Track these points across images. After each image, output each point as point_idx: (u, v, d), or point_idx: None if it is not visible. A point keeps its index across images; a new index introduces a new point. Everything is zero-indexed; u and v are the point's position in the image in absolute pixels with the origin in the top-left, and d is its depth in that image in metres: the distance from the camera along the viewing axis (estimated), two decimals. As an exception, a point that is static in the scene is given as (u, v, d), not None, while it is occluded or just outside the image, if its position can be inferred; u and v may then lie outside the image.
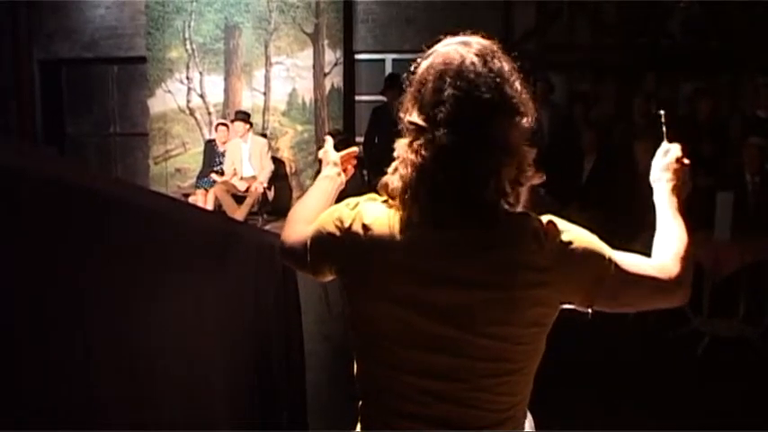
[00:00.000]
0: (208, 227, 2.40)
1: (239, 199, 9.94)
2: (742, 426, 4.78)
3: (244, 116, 10.17)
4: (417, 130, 1.69)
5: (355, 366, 1.88)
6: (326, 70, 10.76)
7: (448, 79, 1.67)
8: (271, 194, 10.18)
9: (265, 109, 10.94)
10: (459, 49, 1.71)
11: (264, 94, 10.94)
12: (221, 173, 10.19)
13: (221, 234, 2.46)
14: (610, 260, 1.73)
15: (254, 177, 10.09)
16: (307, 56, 10.80)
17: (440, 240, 1.69)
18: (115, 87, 11.90)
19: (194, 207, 2.63)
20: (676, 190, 2.00)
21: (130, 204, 1.72)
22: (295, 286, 3.08)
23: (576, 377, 5.33)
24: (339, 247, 1.81)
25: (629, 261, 1.77)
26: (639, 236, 6.97)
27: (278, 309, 2.81)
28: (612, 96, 10.58)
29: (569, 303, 1.76)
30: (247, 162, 10.17)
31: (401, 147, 1.73)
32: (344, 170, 2.31)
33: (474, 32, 1.76)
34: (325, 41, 10.72)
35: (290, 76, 10.86)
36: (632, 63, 10.45)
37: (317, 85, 10.80)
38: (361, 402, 1.88)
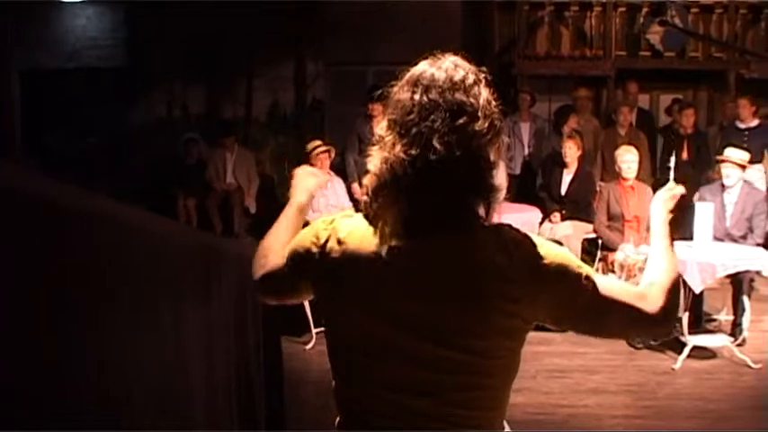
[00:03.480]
0: (183, 239, 2.40)
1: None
2: None
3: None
4: (386, 143, 1.71)
5: (333, 381, 1.88)
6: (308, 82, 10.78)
7: (406, 87, 1.73)
8: (253, 208, 10.14)
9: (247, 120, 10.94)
10: (430, 64, 1.76)
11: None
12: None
13: (198, 246, 2.46)
14: (586, 280, 1.73)
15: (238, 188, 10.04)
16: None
17: (412, 253, 1.70)
18: (96, 98, 11.85)
19: (170, 220, 2.63)
20: (672, 222, 2.04)
21: (96, 216, 1.70)
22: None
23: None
24: (314, 262, 1.82)
25: (608, 286, 1.76)
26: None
27: (255, 314, 2.82)
28: (594, 107, 10.65)
29: (542, 320, 1.76)
30: (231, 174, 10.13)
31: (373, 159, 1.75)
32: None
33: (454, 52, 1.80)
34: (307, 53, 10.74)
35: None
36: (614, 74, 10.52)
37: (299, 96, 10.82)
38: (338, 419, 1.88)
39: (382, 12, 10.62)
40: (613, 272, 7.01)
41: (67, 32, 11.40)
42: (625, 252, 6.88)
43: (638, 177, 7.52)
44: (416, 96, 1.70)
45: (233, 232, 9.79)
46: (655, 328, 1.87)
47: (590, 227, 7.74)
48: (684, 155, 9.43)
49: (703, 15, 10.75)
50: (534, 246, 1.72)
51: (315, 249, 1.82)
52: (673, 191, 2.10)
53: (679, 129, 9.61)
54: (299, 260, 1.87)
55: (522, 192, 8.97)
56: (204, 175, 10.08)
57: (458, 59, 1.77)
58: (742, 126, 8.90)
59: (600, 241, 7.51)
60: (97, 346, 1.63)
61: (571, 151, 8.18)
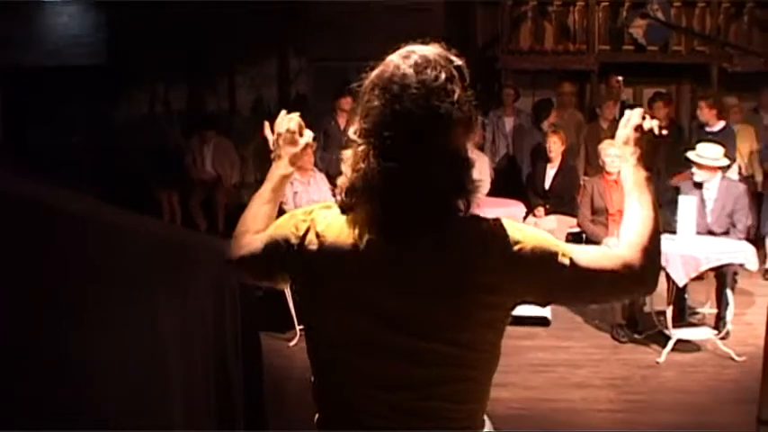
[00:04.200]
0: (163, 237, 2.37)
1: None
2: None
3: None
4: (359, 152, 1.69)
5: (312, 377, 1.85)
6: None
7: (377, 92, 1.69)
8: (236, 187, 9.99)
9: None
10: (396, 60, 1.72)
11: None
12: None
13: (176, 244, 2.43)
14: (564, 257, 1.71)
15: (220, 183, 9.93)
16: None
17: (389, 249, 1.68)
18: (78, 96, 11.77)
19: (149, 218, 2.61)
20: (641, 161, 1.92)
21: (78, 215, 1.69)
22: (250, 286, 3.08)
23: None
24: (293, 255, 1.79)
25: (586, 256, 1.75)
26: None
27: (234, 310, 2.81)
28: (578, 101, 10.66)
29: (524, 302, 1.76)
30: (210, 163, 10.01)
31: (345, 157, 1.73)
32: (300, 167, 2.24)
33: (425, 42, 1.76)
34: (290, 49, 10.71)
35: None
36: (597, 69, 10.54)
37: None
38: (318, 415, 1.86)
39: (365, 8, 10.60)
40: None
41: (49, 30, 11.31)
42: (609, 246, 6.86)
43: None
44: (388, 105, 1.67)
45: (217, 230, 9.75)
46: (638, 288, 1.83)
47: (574, 221, 7.74)
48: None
49: (686, 9, 10.79)
50: (510, 233, 1.70)
51: (294, 241, 1.79)
52: (627, 124, 1.95)
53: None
54: (277, 250, 1.84)
55: (505, 186, 8.96)
56: (183, 164, 9.95)
57: (428, 52, 1.72)
58: (707, 129, 8.66)
59: (584, 235, 7.50)
60: (75, 344, 1.62)
61: (555, 146, 8.18)
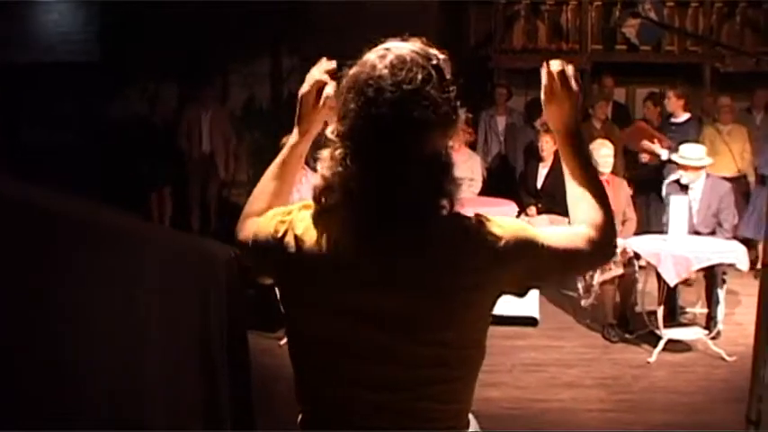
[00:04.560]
0: (146, 236, 2.36)
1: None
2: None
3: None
4: (336, 156, 1.67)
5: (294, 377, 1.84)
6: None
7: (353, 94, 1.66)
8: (232, 168, 9.69)
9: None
10: (372, 60, 1.68)
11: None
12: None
13: (158, 242, 2.42)
14: (541, 247, 1.73)
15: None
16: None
17: (372, 249, 1.66)
18: (70, 93, 11.73)
19: (136, 218, 2.61)
20: (564, 113, 1.91)
21: (67, 217, 1.68)
22: (240, 287, 3.07)
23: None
24: (274, 257, 1.77)
25: (557, 239, 1.78)
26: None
27: (219, 309, 2.80)
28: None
29: (504, 293, 1.76)
30: (207, 137, 9.62)
31: (323, 158, 1.71)
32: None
33: (404, 38, 1.73)
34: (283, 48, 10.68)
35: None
36: (590, 68, 10.54)
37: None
38: (300, 416, 1.85)
39: (359, 7, 10.58)
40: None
41: (40, 28, 11.27)
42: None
43: (613, 171, 7.52)
44: (363, 108, 1.64)
45: (210, 228, 9.73)
46: (599, 258, 1.93)
47: (566, 220, 7.71)
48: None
49: (679, 9, 10.80)
50: (490, 229, 1.70)
51: (273, 243, 1.77)
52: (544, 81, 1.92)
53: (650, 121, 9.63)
54: (260, 249, 1.82)
55: (497, 185, 8.96)
56: (175, 141, 9.52)
57: (405, 51, 1.68)
58: (672, 120, 8.86)
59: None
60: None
61: (548, 145, 8.17)
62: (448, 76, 1.70)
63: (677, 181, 6.81)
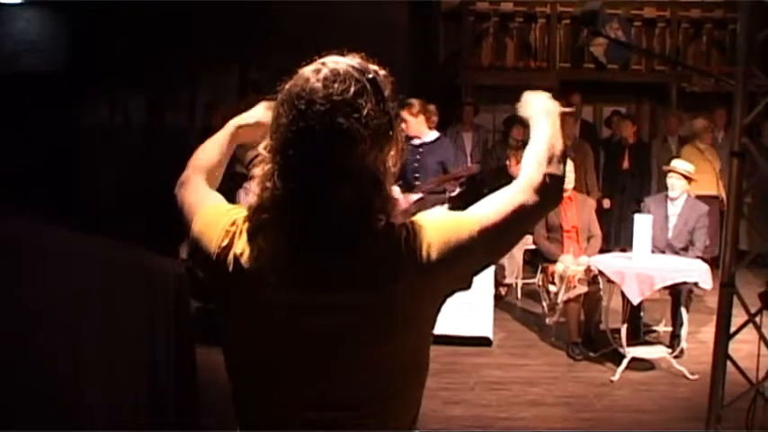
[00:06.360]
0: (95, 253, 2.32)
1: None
2: None
3: None
4: (267, 171, 1.63)
5: (233, 394, 1.78)
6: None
7: (285, 108, 1.62)
8: None
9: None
10: (307, 74, 1.64)
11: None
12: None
13: (107, 261, 2.38)
14: (473, 233, 1.67)
15: None
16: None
17: (308, 266, 1.62)
18: (35, 103, 11.61)
19: (83, 236, 2.57)
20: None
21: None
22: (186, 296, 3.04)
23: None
24: (212, 270, 1.72)
25: (493, 209, 1.73)
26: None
27: (167, 319, 2.76)
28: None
29: (453, 292, 1.72)
30: None
31: (255, 180, 1.67)
32: None
33: (342, 53, 1.69)
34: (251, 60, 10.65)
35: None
36: (557, 86, 10.61)
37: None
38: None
39: (328, 21, 10.58)
40: (553, 283, 7.02)
41: (6, 36, 11.15)
42: (565, 263, 6.89)
43: (577, 188, 7.55)
44: (293, 122, 1.60)
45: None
46: (545, 205, 1.84)
47: (530, 238, 7.74)
48: (625, 164, 9.56)
49: (646, 29, 10.92)
50: (420, 235, 1.65)
51: (213, 259, 1.70)
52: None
53: (620, 140, 9.76)
54: (199, 256, 1.75)
55: (465, 202, 8.94)
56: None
57: (340, 65, 1.64)
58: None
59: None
60: None
61: (514, 161, 8.20)
62: (386, 92, 1.66)
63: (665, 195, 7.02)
